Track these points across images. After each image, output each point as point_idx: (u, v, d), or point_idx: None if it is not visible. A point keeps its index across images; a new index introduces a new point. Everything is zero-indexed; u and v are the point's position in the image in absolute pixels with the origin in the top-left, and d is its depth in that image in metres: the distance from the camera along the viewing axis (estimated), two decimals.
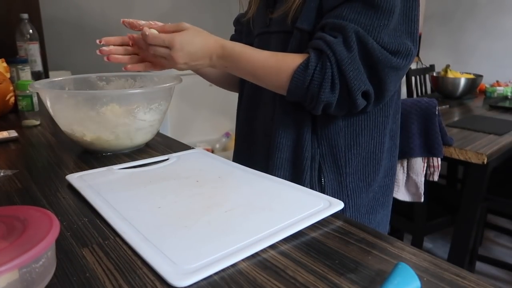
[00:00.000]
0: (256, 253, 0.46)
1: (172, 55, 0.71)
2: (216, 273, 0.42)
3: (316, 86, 0.68)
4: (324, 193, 0.75)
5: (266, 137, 0.83)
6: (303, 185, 0.73)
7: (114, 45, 0.81)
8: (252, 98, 0.89)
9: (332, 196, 0.74)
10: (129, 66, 0.80)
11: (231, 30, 1.04)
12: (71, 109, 0.78)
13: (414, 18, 0.69)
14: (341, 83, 0.67)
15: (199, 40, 0.72)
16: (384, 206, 0.86)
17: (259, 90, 0.81)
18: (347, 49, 0.65)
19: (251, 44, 0.88)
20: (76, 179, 0.67)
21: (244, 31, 0.95)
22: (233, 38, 1.02)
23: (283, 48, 0.77)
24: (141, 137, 0.85)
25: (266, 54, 0.73)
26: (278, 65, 0.71)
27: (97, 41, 0.79)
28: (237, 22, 1.01)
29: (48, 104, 0.81)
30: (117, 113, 0.79)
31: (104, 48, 0.79)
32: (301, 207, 0.56)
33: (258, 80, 0.74)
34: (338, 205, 0.57)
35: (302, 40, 0.74)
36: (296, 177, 0.78)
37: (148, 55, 0.78)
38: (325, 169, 0.77)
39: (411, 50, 0.68)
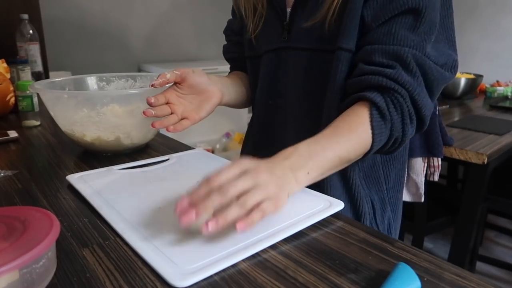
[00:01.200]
0: (257, 253, 0.46)
1: (255, 170, 0.49)
2: (216, 273, 0.42)
3: (399, 128, 0.62)
4: (375, 214, 0.77)
5: None
6: (359, 209, 0.73)
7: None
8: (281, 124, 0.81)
9: (378, 216, 0.75)
10: (171, 127, 0.71)
11: None
12: (71, 109, 0.78)
13: (451, 25, 0.66)
14: (415, 112, 0.63)
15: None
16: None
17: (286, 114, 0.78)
18: (412, 77, 0.61)
19: (255, 57, 0.85)
20: (77, 179, 0.67)
21: (247, 44, 0.87)
22: (228, 50, 0.95)
23: (313, 66, 0.73)
24: (141, 138, 0.85)
25: (332, 132, 0.60)
26: (357, 133, 0.60)
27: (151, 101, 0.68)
28: (232, 31, 0.94)
29: (48, 104, 0.81)
30: (117, 113, 0.79)
31: (149, 110, 0.67)
32: (302, 207, 0.56)
33: (347, 161, 0.62)
34: (338, 205, 0.57)
35: (349, 61, 0.67)
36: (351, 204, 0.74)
37: (186, 108, 0.73)
38: (369, 192, 0.76)
39: (456, 61, 0.65)
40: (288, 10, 0.76)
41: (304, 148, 0.56)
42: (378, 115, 0.60)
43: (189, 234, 0.48)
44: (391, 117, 0.61)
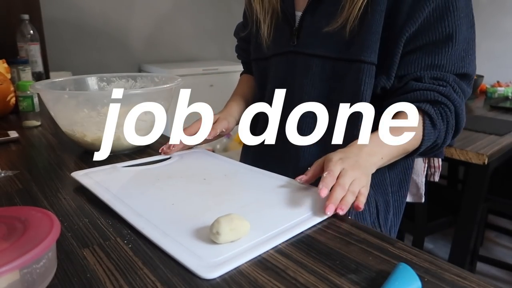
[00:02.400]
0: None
1: (350, 167, 0.60)
2: None
3: (443, 136, 0.71)
4: (378, 216, 0.78)
5: None
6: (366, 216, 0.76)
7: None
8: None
9: (381, 218, 0.77)
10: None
11: (232, 31, 1.04)
12: (71, 109, 0.79)
13: (474, 37, 0.73)
14: (455, 124, 0.72)
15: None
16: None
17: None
18: (459, 97, 0.70)
19: (262, 59, 0.86)
20: (82, 176, 0.67)
21: (254, 46, 0.89)
22: (238, 53, 1.01)
23: (322, 72, 0.75)
24: (141, 138, 0.85)
25: (399, 126, 0.69)
26: (412, 134, 0.68)
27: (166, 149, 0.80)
28: (239, 35, 0.98)
29: (48, 104, 0.81)
30: (124, 112, 0.79)
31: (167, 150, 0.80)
32: (310, 205, 0.57)
33: (406, 152, 0.71)
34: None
35: (373, 73, 0.71)
36: None
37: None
38: (374, 194, 0.77)
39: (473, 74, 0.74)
40: (298, 14, 0.77)
41: (376, 138, 0.67)
42: (430, 124, 0.69)
43: (205, 230, 0.49)
44: (439, 126, 0.70)
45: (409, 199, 1.39)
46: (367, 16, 0.68)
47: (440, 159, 1.40)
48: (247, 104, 0.94)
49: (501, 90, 2.37)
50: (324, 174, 0.59)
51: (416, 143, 0.70)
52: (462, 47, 0.69)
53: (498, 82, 2.51)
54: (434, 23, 0.67)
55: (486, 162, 1.34)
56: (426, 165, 1.40)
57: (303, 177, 0.63)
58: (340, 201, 0.56)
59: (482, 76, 2.29)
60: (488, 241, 2.38)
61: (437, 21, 0.67)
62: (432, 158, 1.41)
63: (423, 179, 1.37)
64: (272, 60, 0.84)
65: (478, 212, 1.48)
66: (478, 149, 1.37)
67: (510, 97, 2.33)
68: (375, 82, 0.71)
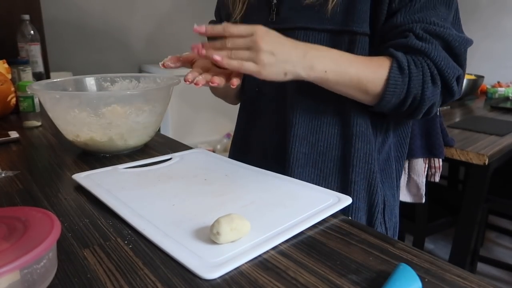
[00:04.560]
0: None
1: (256, 40, 0.58)
2: None
3: (419, 86, 0.63)
4: (384, 211, 0.76)
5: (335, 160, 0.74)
6: (375, 212, 0.74)
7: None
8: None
9: (390, 212, 0.75)
10: (217, 80, 0.65)
11: None
12: (64, 110, 0.78)
13: (456, 7, 0.68)
14: (439, 74, 0.64)
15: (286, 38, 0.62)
16: None
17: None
18: (426, 42, 0.63)
19: None
20: (84, 178, 0.67)
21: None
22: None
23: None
24: (136, 139, 0.85)
25: (354, 56, 0.65)
26: (372, 68, 0.64)
27: (164, 64, 0.71)
28: (218, 17, 0.92)
29: (46, 105, 0.81)
30: (117, 114, 0.78)
31: (189, 76, 0.64)
32: (311, 203, 0.57)
33: (355, 87, 0.65)
34: (346, 200, 0.58)
35: (366, 44, 0.67)
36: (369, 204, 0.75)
37: (212, 69, 0.69)
38: (383, 188, 0.76)
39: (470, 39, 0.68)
40: None
41: (335, 51, 0.63)
42: (396, 68, 0.63)
43: (206, 229, 0.49)
44: (410, 72, 0.63)
45: (409, 199, 1.39)
46: None
47: (440, 160, 1.40)
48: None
49: (501, 90, 2.37)
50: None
51: (377, 83, 0.63)
52: (432, 3, 0.64)
53: (498, 82, 2.51)
54: None
55: (486, 162, 1.34)
56: (427, 165, 1.40)
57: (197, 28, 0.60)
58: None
59: (483, 77, 2.29)
60: (489, 241, 2.38)
61: None
62: (432, 159, 1.41)
63: (424, 180, 1.37)
64: None
65: (479, 212, 1.48)
66: (479, 150, 1.37)
67: (510, 98, 2.33)
68: (370, 54, 0.68)
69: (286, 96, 0.75)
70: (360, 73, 0.63)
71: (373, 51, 0.68)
